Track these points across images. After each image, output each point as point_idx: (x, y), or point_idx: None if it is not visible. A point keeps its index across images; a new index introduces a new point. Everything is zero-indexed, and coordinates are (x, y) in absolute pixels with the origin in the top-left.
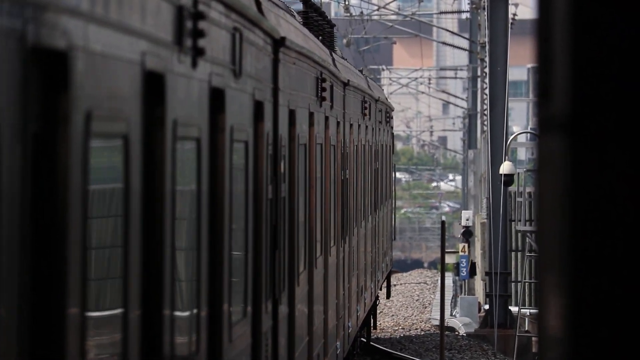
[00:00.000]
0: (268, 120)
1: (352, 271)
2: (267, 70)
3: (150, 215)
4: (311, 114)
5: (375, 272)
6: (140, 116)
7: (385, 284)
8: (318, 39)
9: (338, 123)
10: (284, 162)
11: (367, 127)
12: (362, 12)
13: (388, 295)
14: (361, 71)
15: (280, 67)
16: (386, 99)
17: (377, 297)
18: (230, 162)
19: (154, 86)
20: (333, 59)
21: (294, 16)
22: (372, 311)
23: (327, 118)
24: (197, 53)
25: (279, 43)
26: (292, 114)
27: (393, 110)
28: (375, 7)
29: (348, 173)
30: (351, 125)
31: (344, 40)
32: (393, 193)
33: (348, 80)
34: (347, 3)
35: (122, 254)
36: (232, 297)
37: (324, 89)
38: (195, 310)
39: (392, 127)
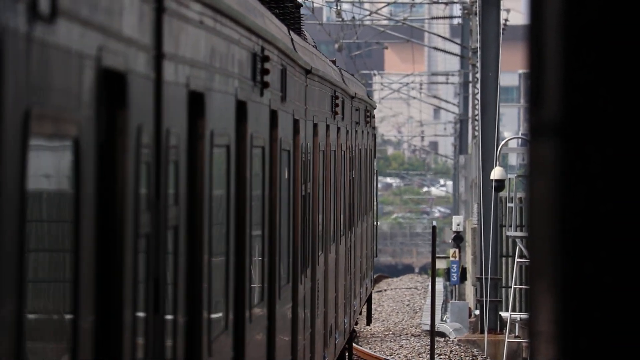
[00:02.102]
0: (141, 107)
1: (317, 311)
2: (143, 27)
3: None
4: (241, 104)
5: (350, 302)
6: None
7: (365, 308)
8: (272, 12)
9: (296, 121)
10: (165, 174)
11: (339, 128)
12: (353, 17)
13: (369, 321)
14: (334, 62)
15: (166, 23)
16: (367, 96)
17: (353, 332)
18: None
19: None
20: (292, 40)
21: None
22: (348, 344)
23: (274, 112)
24: None
25: None
26: (196, 99)
27: (375, 109)
28: (367, 12)
29: (310, 187)
30: (315, 125)
31: (336, 45)
32: (375, 204)
33: (311, 68)
34: (339, 8)
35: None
36: None
37: (266, 71)
38: None
39: (374, 128)
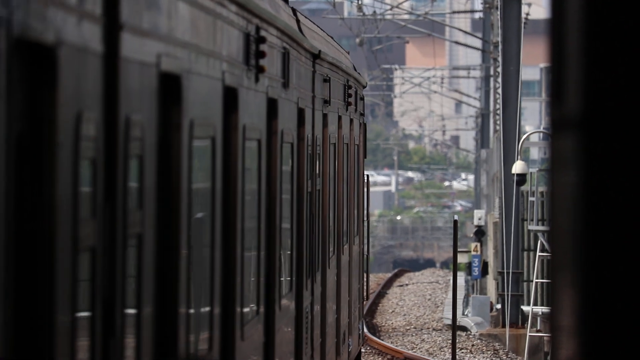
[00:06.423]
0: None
1: None
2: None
3: None
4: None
5: None
6: None
7: None
8: None
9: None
10: None
11: (275, 101)
12: (375, 12)
13: None
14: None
15: None
16: (354, 68)
17: None
18: None
19: None
20: None
21: None
22: None
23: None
24: None
25: None
26: None
27: (365, 87)
28: (388, 7)
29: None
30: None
31: (357, 40)
32: (365, 225)
33: None
34: (360, 2)
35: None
36: None
37: None
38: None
39: (362, 115)
